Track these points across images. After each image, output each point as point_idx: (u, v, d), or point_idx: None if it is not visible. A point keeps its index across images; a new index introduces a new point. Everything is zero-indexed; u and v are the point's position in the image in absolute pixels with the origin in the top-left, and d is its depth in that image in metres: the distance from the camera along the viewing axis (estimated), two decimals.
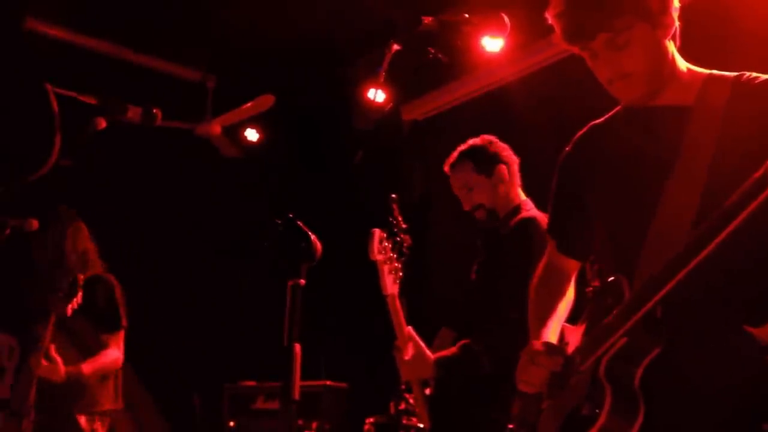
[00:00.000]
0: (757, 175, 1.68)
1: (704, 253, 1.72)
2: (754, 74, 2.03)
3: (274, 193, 6.03)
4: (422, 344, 3.27)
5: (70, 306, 3.64)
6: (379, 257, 3.10)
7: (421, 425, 3.47)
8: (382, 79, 3.01)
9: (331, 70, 6.02)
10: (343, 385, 5.46)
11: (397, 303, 3.21)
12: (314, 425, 5.19)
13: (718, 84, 2.06)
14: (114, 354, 4.12)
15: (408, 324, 3.39)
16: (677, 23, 2.09)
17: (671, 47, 2.10)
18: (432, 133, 6.33)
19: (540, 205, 3.39)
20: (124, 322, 4.21)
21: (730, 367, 1.91)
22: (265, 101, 5.94)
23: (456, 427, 3.28)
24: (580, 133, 2.33)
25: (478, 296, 3.40)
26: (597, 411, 1.90)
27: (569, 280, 2.42)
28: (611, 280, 2.04)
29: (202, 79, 6.51)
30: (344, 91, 5.76)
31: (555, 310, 2.34)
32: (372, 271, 3.26)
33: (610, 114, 2.28)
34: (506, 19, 3.25)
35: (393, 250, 3.16)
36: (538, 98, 5.31)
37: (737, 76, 2.05)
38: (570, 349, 2.15)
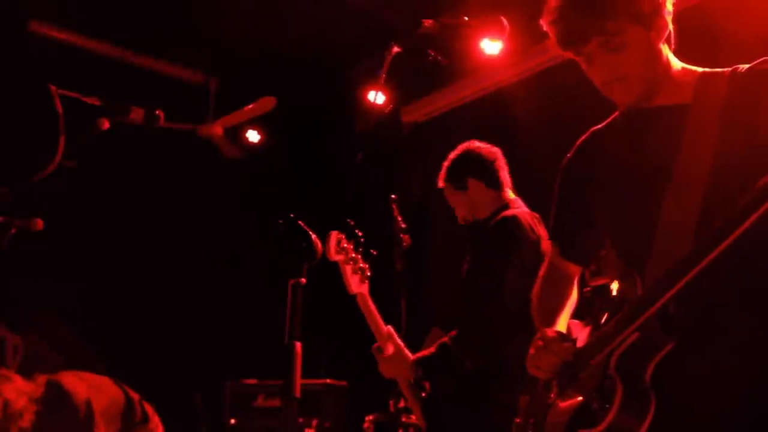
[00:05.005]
0: None
1: (719, 249, 1.73)
2: (748, 65, 2.05)
3: (275, 193, 6.05)
4: (401, 343, 3.30)
5: None
6: (338, 257, 3.14)
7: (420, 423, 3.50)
8: (382, 82, 3.03)
9: (332, 72, 6.04)
10: (344, 383, 5.47)
11: (369, 302, 3.24)
12: (314, 423, 5.20)
13: (714, 80, 2.08)
14: None
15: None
16: (671, 26, 2.12)
17: (665, 49, 2.12)
18: (431, 135, 6.35)
19: (538, 207, 3.42)
20: None
21: (744, 364, 1.92)
22: (267, 103, 5.96)
23: (450, 426, 3.31)
24: (581, 138, 2.35)
25: (463, 294, 3.43)
26: (607, 406, 1.91)
27: (572, 283, 2.44)
28: (620, 279, 2.06)
29: (204, 81, 6.54)
30: (345, 93, 5.79)
31: (562, 306, 2.37)
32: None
33: (609, 119, 2.30)
34: (505, 22, 3.27)
35: (355, 250, 3.20)
36: (537, 100, 5.32)
37: (732, 69, 2.07)
38: (579, 345, 2.17)
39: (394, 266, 3.70)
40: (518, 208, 3.47)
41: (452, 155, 3.62)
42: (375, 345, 3.31)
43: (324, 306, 4.27)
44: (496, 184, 3.53)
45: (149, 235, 5.88)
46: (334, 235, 3.12)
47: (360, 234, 3.21)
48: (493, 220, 3.41)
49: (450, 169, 3.60)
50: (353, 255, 3.19)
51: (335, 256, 3.13)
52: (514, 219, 3.33)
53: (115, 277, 5.66)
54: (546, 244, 3.31)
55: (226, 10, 5.48)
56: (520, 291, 3.15)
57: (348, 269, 3.18)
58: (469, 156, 3.58)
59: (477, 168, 3.54)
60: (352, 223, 3.20)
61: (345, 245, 3.15)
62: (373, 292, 3.31)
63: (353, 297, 3.25)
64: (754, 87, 2.00)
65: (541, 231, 3.37)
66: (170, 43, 5.91)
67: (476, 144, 3.60)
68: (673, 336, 1.88)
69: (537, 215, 3.44)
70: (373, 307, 3.25)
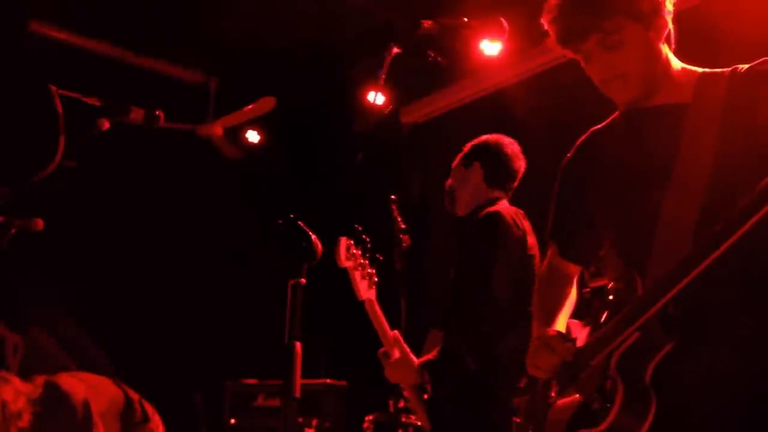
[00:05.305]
0: None
1: (719, 251, 1.73)
2: (748, 65, 2.06)
3: (275, 193, 6.06)
4: (407, 348, 3.29)
5: None
6: (348, 264, 3.13)
7: (420, 423, 3.50)
8: (381, 82, 3.03)
9: (332, 72, 6.05)
10: (343, 383, 5.48)
11: (376, 307, 3.22)
12: (314, 423, 5.21)
13: (713, 80, 2.08)
14: None
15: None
16: (671, 25, 2.12)
17: (665, 49, 2.13)
18: (431, 136, 6.36)
19: (538, 207, 3.41)
20: None
21: (743, 364, 1.92)
22: (267, 103, 5.96)
23: (452, 426, 3.31)
24: (581, 139, 2.36)
25: (452, 293, 3.43)
26: (608, 406, 1.92)
27: (571, 283, 2.45)
28: (620, 279, 2.07)
29: (204, 81, 6.55)
30: (345, 94, 5.79)
31: (561, 306, 2.37)
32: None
33: (609, 119, 2.30)
34: (504, 23, 3.27)
35: (363, 255, 3.19)
36: (537, 101, 5.33)
37: (732, 69, 2.08)
38: (578, 345, 2.17)
39: (394, 266, 3.70)
40: (501, 204, 3.47)
41: (486, 137, 3.61)
42: (381, 350, 3.30)
43: (324, 306, 4.27)
44: (492, 183, 3.52)
45: (149, 236, 5.88)
46: (344, 242, 3.11)
47: (367, 239, 3.20)
48: (476, 217, 3.40)
49: (473, 146, 3.59)
50: (361, 261, 3.19)
51: (345, 263, 3.12)
52: (498, 215, 3.33)
53: (115, 277, 5.66)
54: (532, 239, 3.32)
55: (226, 10, 5.49)
56: (508, 286, 3.16)
57: (357, 275, 3.17)
58: (495, 148, 3.56)
59: (490, 160, 3.53)
60: (360, 228, 3.19)
61: (354, 251, 3.15)
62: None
63: (353, 297, 3.25)
64: (754, 87, 2.00)
65: (526, 226, 3.37)
66: (170, 43, 5.92)
67: (512, 146, 3.58)
68: (673, 336, 1.89)
69: (521, 211, 3.44)
70: (380, 312, 3.24)
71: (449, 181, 3.60)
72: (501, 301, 3.17)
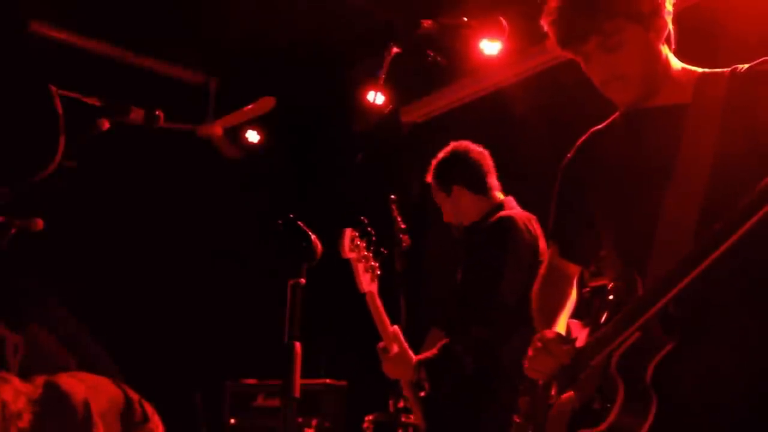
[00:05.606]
0: None
1: (719, 251, 1.74)
2: (748, 65, 2.06)
3: (274, 194, 6.06)
4: (405, 345, 3.30)
5: None
6: (352, 255, 3.13)
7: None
8: (381, 82, 3.03)
9: (332, 72, 6.05)
10: (343, 383, 5.49)
11: (377, 301, 3.23)
12: (314, 423, 5.22)
13: (713, 80, 2.09)
14: None
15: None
16: (671, 26, 2.13)
17: (665, 49, 2.13)
18: (431, 135, 6.35)
19: (538, 206, 3.41)
20: None
21: (743, 364, 1.93)
22: (266, 103, 5.96)
23: (450, 426, 3.31)
24: (581, 139, 2.36)
25: (459, 295, 3.43)
26: (608, 406, 1.92)
27: (571, 283, 2.45)
28: (620, 279, 2.07)
29: (204, 81, 6.55)
30: (344, 94, 5.79)
31: (561, 307, 2.38)
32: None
33: (609, 119, 2.31)
34: (504, 22, 3.27)
35: (367, 248, 3.19)
36: (536, 101, 5.33)
37: (732, 69, 2.08)
38: (578, 345, 2.18)
39: (393, 266, 3.70)
40: (513, 208, 3.47)
41: (441, 155, 3.58)
42: (380, 344, 3.30)
43: (324, 306, 4.27)
44: (482, 189, 3.50)
45: (149, 236, 5.88)
46: (348, 233, 3.11)
47: (372, 232, 3.20)
48: (488, 221, 3.40)
49: (437, 170, 3.57)
50: (365, 253, 3.18)
51: (348, 254, 3.12)
52: (510, 219, 3.33)
53: (115, 277, 5.66)
54: (543, 243, 3.32)
55: (226, 10, 5.48)
56: (518, 290, 3.16)
57: (360, 267, 3.17)
58: (456, 161, 3.53)
59: (462, 174, 3.50)
60: (366, 221, 3.19)
61: (358, 243, 3.15)
62: None
63: (353, 297, 3.25)
64: (754, 87, 2.01)
65: (537, 230, 3.37)
66: (170, 43, 5.92)
67: (464, 147, 3.55)
68: (674, 336, 1.89)
69: (533, 216, 3.44)
70: (381, 306, 3.24)
71: (447, 218, 3.57)
72: (509, 305, 3.17)
